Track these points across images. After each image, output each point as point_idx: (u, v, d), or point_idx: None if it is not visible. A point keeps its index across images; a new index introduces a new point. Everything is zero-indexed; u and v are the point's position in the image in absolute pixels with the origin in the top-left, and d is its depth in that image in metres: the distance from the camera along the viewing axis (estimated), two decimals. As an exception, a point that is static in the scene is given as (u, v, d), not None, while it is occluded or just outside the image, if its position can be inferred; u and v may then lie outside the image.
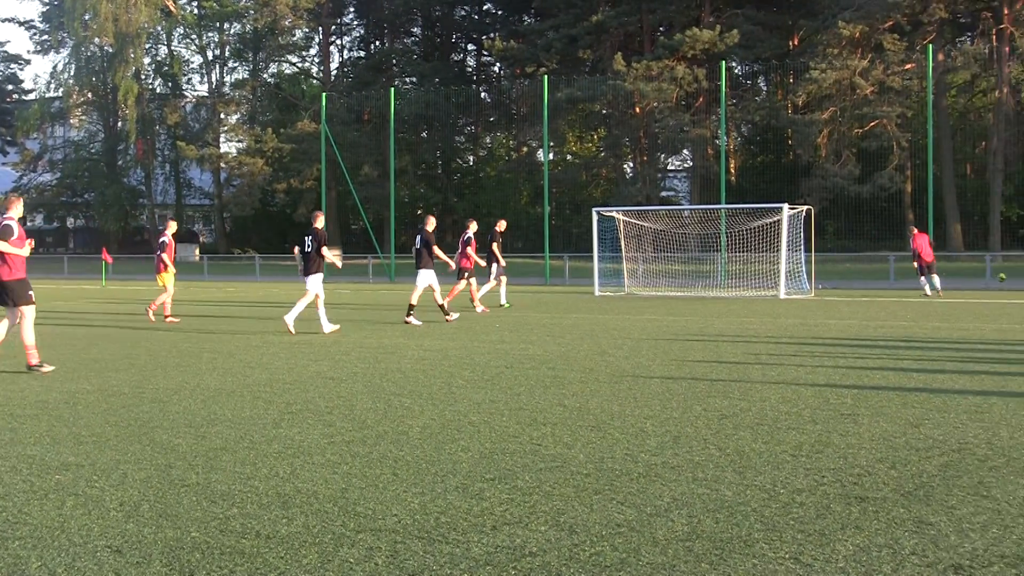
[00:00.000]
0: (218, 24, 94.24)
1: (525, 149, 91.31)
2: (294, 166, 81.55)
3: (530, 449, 9.16)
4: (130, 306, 32.55)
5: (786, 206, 35.57)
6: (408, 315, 24.08)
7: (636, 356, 16.58)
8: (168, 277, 25.70)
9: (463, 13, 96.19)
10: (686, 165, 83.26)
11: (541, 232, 55.41)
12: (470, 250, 28.61)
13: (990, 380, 13.27)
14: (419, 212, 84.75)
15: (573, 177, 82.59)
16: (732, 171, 74.64)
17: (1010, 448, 9.00)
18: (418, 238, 24.79)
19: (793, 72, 71.37)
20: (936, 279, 34.52)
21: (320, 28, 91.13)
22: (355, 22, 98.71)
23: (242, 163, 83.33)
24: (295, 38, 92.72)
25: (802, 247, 37.41)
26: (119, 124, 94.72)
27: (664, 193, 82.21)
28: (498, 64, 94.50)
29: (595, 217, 39.40)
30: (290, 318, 21.87)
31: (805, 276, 36.83)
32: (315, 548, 6.32)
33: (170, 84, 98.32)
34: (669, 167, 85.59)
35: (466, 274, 28.39)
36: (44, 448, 9.49)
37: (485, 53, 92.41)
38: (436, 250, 24.69)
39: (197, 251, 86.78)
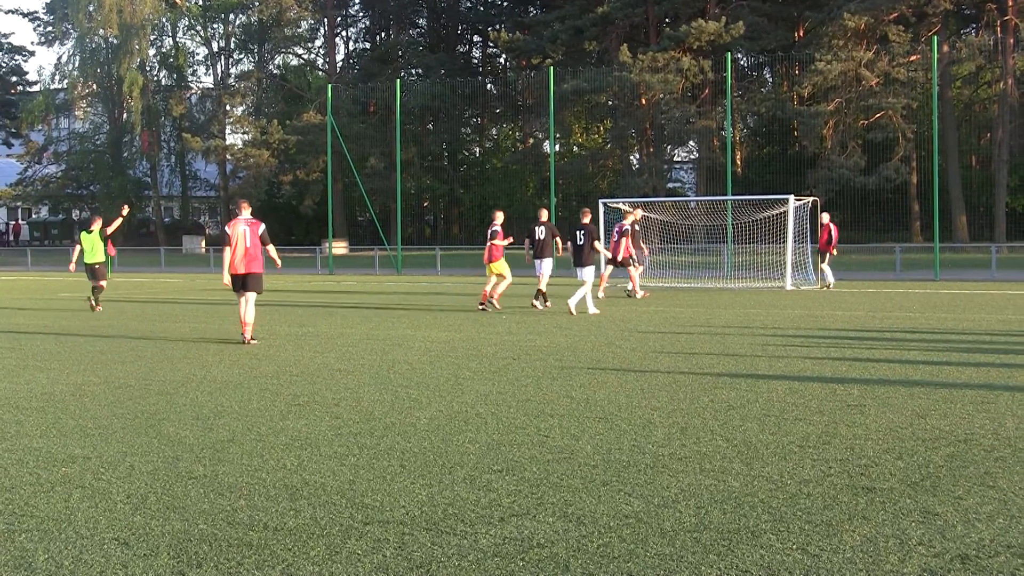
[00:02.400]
0: (223, 15, 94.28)
1: (531, 141, 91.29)
2: (300, 158, 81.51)
3: (537, 440, 9.16)
4: (135, 297, 32.51)
5: (792, 197, 35.49)
6: (593, 306, 24.72)
7: (643, 348, 16.58)
8: (502, 266, 26.17)
9: (469, 5, 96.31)
10: (692, 156, 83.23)
11: (547, 224, 55.34)
12: (625, 240, 29.73)
13: (996, 371, 13.27)
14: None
15: (579, 169, 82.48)
16: (738, 162, 74.61)
17: (1016, 439, 9.00)
18: (580, 233, 25.06)
19: (799, 64, 71.19)
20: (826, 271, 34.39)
21: (325, 19, 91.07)
22: (360, 13, 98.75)
23: (248, 155, 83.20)
24: (300, 29, 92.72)
25: (808, 238, 37.37)
26: (124, 116, 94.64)
27: (670, 184, 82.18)
28: (504, 56, 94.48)
29: (601, 208, 39.34)
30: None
31: (811, 267, 36.80)
32: (323, 540, 6.33)
33: (175, 76, 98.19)
34: (675, 158, 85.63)
35: (633, 261, 29.96)
36: (50, 440, 9.51)
37: (491, 45, 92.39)
38: (598, 244, 25.30)
39: (203, 243, 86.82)
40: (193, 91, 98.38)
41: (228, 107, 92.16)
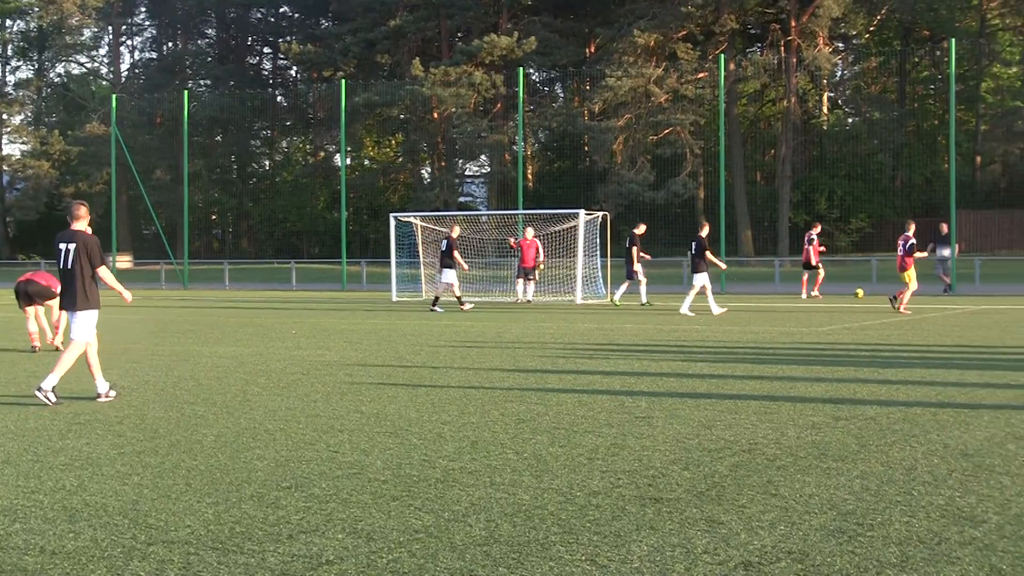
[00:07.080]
0: (0, 21, 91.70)
1: (322, 154, 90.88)
2: (82, 169, 79.90)
3: (327, 456, 9.07)
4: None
5: (582, 212, 35.97)
6: (718, 308, 27.93)
7: (433, 362, 16.58)
8: (911, 274, 28.28)
9: (259, 15, 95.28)
10: (484, 171, 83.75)
11: (338, 238, 55.16)
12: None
13: (778, 383, 13.58)
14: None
15: (371, 182, 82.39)
16: (529, 177, 75.27)
17: (797, 447, 9.21)
18: (694, 244, 28.55)
19: (590, 79, 72.27)
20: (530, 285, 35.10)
21: (110, 27, 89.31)
22: (147, 22, 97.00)
23: (26, 166, 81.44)
24: (83, 37, 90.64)
25: (598, 253, 37.86)
26: None
27: (462, 198, 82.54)
28: (295, 68, 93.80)
29: (392, 222, 39.33)
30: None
31: (601, 281, 37.30)
32: (103, 563, 6.14)
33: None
34: (467, 172, 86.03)
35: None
36: None
37: (282, 56, 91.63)
38: (709, 255, 28.47)
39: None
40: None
41: (5, 116, 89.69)
